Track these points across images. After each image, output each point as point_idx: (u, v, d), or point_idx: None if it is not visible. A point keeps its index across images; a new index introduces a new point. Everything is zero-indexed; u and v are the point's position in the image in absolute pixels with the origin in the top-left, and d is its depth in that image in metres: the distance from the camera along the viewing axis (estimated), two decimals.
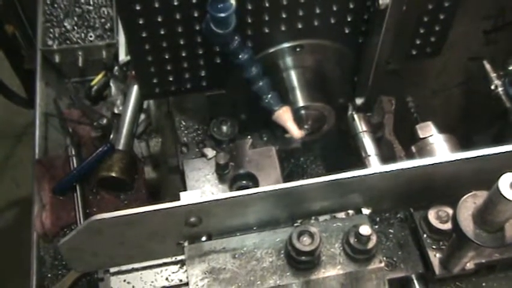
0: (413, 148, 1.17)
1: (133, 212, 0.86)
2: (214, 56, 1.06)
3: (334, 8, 1.03)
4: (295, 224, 0.92)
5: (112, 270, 1.08)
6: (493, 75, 1.28)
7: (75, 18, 1.72)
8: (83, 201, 1.53)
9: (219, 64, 1.07)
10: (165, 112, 1.39)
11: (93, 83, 1.71)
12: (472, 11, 1.40)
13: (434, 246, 0.97)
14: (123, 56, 1.68)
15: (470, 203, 0.83)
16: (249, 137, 1.21)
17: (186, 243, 0.90)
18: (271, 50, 1.07)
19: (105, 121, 1.62)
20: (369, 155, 1.16)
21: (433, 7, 1.07)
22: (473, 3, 1.36)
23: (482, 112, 1.57)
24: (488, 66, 1.27)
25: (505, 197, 0.73)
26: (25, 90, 2.43)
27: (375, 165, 1.14)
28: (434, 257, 0.96)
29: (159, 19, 0.97)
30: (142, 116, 1.61)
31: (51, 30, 1.71)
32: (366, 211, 0.95)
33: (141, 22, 0.97)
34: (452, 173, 0.91)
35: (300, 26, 1.04)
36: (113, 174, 1.52)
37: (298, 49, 1.07)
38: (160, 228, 0.88)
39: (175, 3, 0.96)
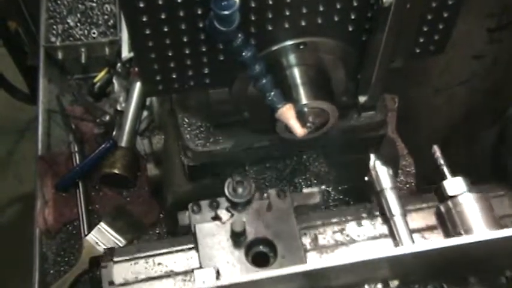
0: (442, 208, 1.13)
1: None
2: (218, 53, 1.06)
3: (338, 6, 1.02)
4: None
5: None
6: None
7: (78, 15, 1.72)
8: (85, 198, 1.54)
9: (222, 61, 1.07)
10: (168, 109, 1.39)
11: (96, 79, 1.71)
12: (476, 9, 1.40)
13: None
14: (126, 53, 1.68)
15: None
16: (265, 194, 1.15)
17: None
18: (275, 47, 1.06)
19: (107, 118, 1.62)
20: (394, 215, 1.12)
21: (437, 5, 1.06)
22: (477, 1, 1.36)
23: (485, 111, 1.57)
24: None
25: None
26: (28, 87, 2.43)
27: (402, 232, 1.10)
28: None
29: (163, 16, 0.97)
30: (145, 113, 1.61)
31: (54, 26, 1.71)
32: (393, 284, 0.94)
33: (144, 19, 0.97)
34: (488, 249, 0.91)
35: (303, 23, 1.03)
36: (116, 171, 1.52)
37: (301, 47, 1.07)
38: None
39: (179, 1, 0.96)
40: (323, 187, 1.20)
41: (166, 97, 1.41)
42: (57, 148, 1.64)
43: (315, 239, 1.15)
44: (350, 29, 1.06)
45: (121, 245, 1.43)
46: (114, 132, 1.60)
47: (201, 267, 1.06)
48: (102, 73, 1.71)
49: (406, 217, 1.12)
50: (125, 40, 1.68)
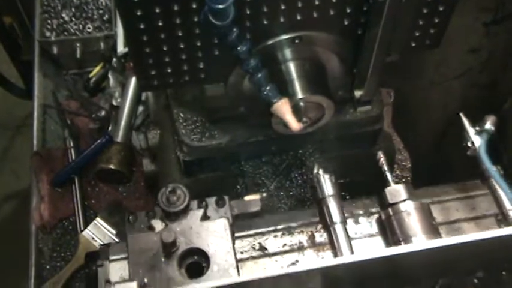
0: (382, 215, 1.13)
1: None
2: (213, 48, 1.05)
3: (333, 0, 1.02)
4: None
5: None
6: (470, 130, 1.11)
7: (73, 10, 1.71)
8: (81, 193, 1.54)
9: (217, 56, 1.07)
10: (163, 104, 1.39)
11: (91, 74, 1.70)
12: (471, 2, 1.39)
13: None
14: (121, 48, 1.68)
15: None
16: (203, 203, 1.11)
17: None
18: (270, 41, 1.06)
19: (103, 113, 1.62)
20: (334, 223, 1.11)
21: None
22: None
23: (481, 104, 1.57)
24: (465, 121, 1.13)
25: None
26: (23, 82, 2.42)
27: (342, 241, 1.09)
28: None
29: (157, 10, 0.97)
30: (141, 108, 1.61)
31: (49, 21, 1.70)
32: None
33: (139, 13, 0.97)
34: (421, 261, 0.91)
35: (298, 17, 1.03)
36: (111, 167, 1.52)
37: (297, 41, 1.07)
38: None
39: None
40: (264, 194, 1.18)
41: (161, 92, 1.40)
42: (53, 143, 1.63)
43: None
44: (345, 22, 1.06)
45: (117, 240, 1.43)
46: (109, 128, 1.60)
47: (130, 278, 1.02)
48: (98, 68, 1.70)
49: (347, 225, 1.12)
50: (120, 35, 1.68)
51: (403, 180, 1.60)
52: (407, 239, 1.06)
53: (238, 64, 1.04)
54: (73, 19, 1.71)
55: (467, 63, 1.50)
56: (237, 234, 1.14)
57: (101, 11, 1.73)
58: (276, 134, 1.18)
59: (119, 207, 1.52)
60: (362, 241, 1.14)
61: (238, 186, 1.34)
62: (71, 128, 1.63)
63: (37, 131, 1.63)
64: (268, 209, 1.29)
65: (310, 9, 1.02)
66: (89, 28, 1.70)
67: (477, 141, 1.07)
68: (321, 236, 1.15)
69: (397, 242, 1.07)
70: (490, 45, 1.46)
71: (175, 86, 1.15)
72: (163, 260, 1.03)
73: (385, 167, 1.16)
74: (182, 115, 1.26)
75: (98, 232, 1.43)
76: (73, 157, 1.58)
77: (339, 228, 1.10)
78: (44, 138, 1.63)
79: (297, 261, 1.13)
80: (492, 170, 1.01)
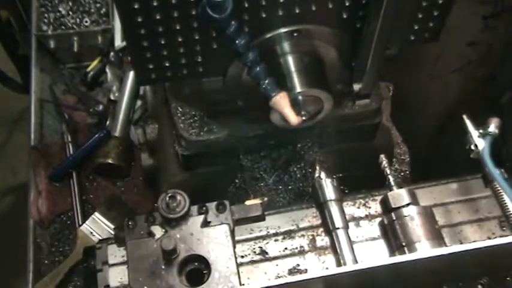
0: (385, 219, 1.11)
1: None
2: (211, 41, 1.05)
3: None
4: None
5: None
6: (473, 132, 1.08)
7: (70, 3, 1.71)
8: (79, 188, 1.53)
9: (215, 50, 1.06)
10: (161, 98, 1.38)
11: (88, 68, 1.70)
12: None
13: None
14: (119, 42, 1.67)
15: None
16: (204, 208, 1.08)
17: None
18: (268, 35, 1.05)
19: (101, 107, 1.61)
20: (337, 228, 1.10)
21: None
22: None
23: (479, 98, 1.56)
24: (468, 123, 1.10)
25: None
26: (20, 76, 2.41)
27: (344, 247, 1.08)
28: None
29: (155, 3, 0.96)
30: (139, 102, 1.60)
31: (46, 15, 1.69)
32: None
33: (136, 6, 0.96)
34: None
35: (297, 10, 1.02)
36: (110, 161, 1.52)
37: (295, 34, 1.06)
38: None
39: None
40: (265, 199, 1.17)
41: (159, 86, 1.40)
42: (50, 138, 1.62)
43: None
44: (344, 16, 1.06)
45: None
46: (107, 122, 1.59)
47: (130, 286, 1.00)
48: (95, 62, 1.70)
49: (348, 229, 1.10)
50: (118, 29, 1.67)
51: (402, 174, 1.60)
52: (410, 245, 1.05)
53: (237, 58, 1.04)
54: (70, 13, 1.70)
55: (466, 57, 1.49)
56: (237, 238, 1.13)
57: (98, 5, 1.72)
58: (274, 128, 1.18)
59: (117, 202, 1.51)
60: (364, 245, 1.13)
61: (237, 181, 1.34)
62: (68, 122, 1.62)
63: (34, 126, 1.62)
64: (268, 202, 1.28)
65: (308, 2, 1.02)
66: (86, 22, 1.69)
67: (480, 144, 1.05)
68: (322, 240, 1.14)
69: (400, 247, 1.06)
70: (489, 38, 1.45)
71: (173, 79, 1.15)
72: (163, 267, 1.01)
73: (388, 171, 1.15)
74: (180, 109, 1.26)
75: (97, 227, 1.43)
76: (71, 152, 1.58)
77: (341, 233, 1.09)
78: (42, 133, 1.63)
79: (298, 265, 1.12)
80: (496, 173, 1.00)
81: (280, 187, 1.33)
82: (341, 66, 1.15)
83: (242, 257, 1.13)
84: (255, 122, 1.23)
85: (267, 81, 1.04)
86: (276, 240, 1.14)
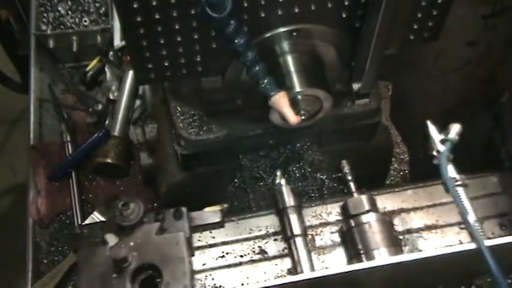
0: (344, 226, 1.12)
1: None
2: (210, 41, 1.05)
3: None
4: None
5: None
6: (436, 138, 1.07)
7: (69, 3, 1.71)
8: (78, 187, 1.53)
9: (214, 49, 1.06)
10: (160, 98, 1.38)
11: (88, 68, 1.70)
12: None
13: None
14: (118, 41, 1.67)
15: None
16: (161, 215, 1.07)
17: None
18: (268, 34, 1.05)
19: (100, 107, 1.61)
20: (295, 235, 1.10)
21: None
22: None
23: (479, 98, 1.56)
24: (431, 129, 1.09)
25: None
26: (20, 76, 2.41)
27: (302, 254, 1.09)
28: None
29: (154, 3, 0.96)
30: (138, 102, 1.60)
31: (45, 14, 1.69)
32: None
33: (135, 6, 0.96)
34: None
35: (296, 10, 1.02)
36: (109, 160, 1.52)
37: (294, 34, 1.06)
38: None
39: None
40: (225, 205, 1.17)
41: (158, 86, 1.40)
42: (50, 138, 1.62)
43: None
44: (344, 15, 1.06)
45: None
46: (106, 122, 1.59)
47: None
48: (94, 62, 1.70)
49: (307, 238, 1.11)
50: (117, 28, 1.67)
51: (401, 173, 1.60)
52: (368, 252, 1.05)
53: (236, 57, 1.04)
54: (69, 12, 1.70)
55: (465, 56, 1.49)
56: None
57: (97, 4, 1.72)
58: (273, 128, 1.18)
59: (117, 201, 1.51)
60: (323, 251, 1.13)
61: (236, 180, 1.34)
62: (67, 122, 1.62)
63: (34, 125, 1.62)
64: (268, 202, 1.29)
65: (308, 2, 1.02)
66: (85, 21, 1.69)
67: (441, 149, 1.05)
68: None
69: (358, 255, 1.07)
70: (489, 38, 1.45)
71: (173, 79, 1.15)
72: (114, 275, 0.99)
73: (349, 177, 1.16)
74: (179, 109, 1.26)
75: None
76: (70, 151, 1.58)
77: (299, 241, 1.09)
78: (41, 133, 1.63)
79: None
80: (448, 181, 0.99)
81: None
82: (340, 65, 1.15)
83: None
84: (255, 121, 1.23)
85: (266, 81, 1.04)
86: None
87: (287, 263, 1.12)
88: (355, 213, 1.10)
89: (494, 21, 1.40)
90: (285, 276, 1.10)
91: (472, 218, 0.96)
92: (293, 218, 1.11)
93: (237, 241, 1.14)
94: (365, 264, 0.94)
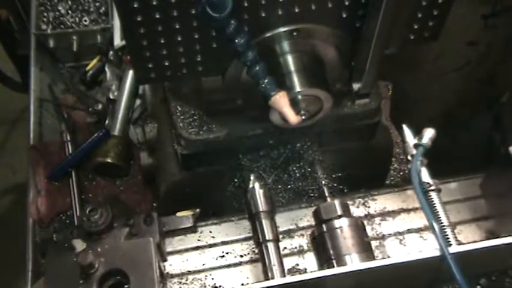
0: (315, 231, 1.11)
1: None
2: (210, 40, 1.05)
3: None
4: None
5: None
6: (410, 142, 1.07)
7: (69, 2, 1.70)
8: (78, 187, 1.53)
9: (215, 49, 1.06)
10: (160, 97, 1.38)
11: (88, 68, 1.69)
12: None
13: None
14: (118, 41, 1.66)
15: None
16: (131, 220, 1.06)
17: None
18: (268, 34, 1.05)
19: (100, 106, 1.61)
20: (267, 240, 1.08)
21: None
22: None
23: (479, 97, 1.57)
24: (407, 133, 1.09)
25: None
26: (20, 75, 2.41)
27: (273, 259, 1.07)
28: None
29: (154, 2, 0.96)
30: (138, 102, 1.60)
31: (45, 14, 1.69)
32: None
33: (135, 5, 0.96)
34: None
35: (296, 10, 1.02)
36: (109, 160, 1.51)
37: (295, 33, 1.06)
38: None
39: None
40: (198, 210, 1.17)
41: (159, 85, 1.40)
42: (50, 137, 1.62)
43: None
44: (344, 15, 1.06)
45: None
46: (106, 121, 1.59)
47: None
48: (94, 61, 1.69)
49: (279, 243, 1.10)
50: (117, 27, 1.67)
51: (401, 173, 1.59)
52: (339, 258, 1.04)
53: (236, 57, 1.04)
54: (69, 12, 1.70)
55: (465, 56, 1.49)
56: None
57: (97, 4, 1.71)
58: (273, 127, 1.18)
59: (117, 201, 1.51)
60: (294, 258, 1.13)
61: (236, 180, 1.34)
62: (67, 121, 1.62)
63: (34, 125, 1.62)
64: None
65: (308, 2, 1.02)
66: (85, 21, 1.69)
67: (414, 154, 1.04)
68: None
69: (328, 260, 1.06)
70: (489, 38, 1.45)
71: (173, 79, 1.15)
72: (81, 282, 0.99)
73: (323, 182, 1.15)
74: (179, 108, 1.26)
75: None
76: (70, 151, 1.57)
77: (270, 246, 1.08)
78: (41, 132, 1.63)
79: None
80: (417, 187, 0.98)
81: (280, 186, 1.33)
82: (340, 65, 1.15)
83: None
84: (255, 121, 1.23)
85: (266, 81, 1.04)
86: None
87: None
88: (327, 218, 1.08)
89: (494, 21, 1.40)
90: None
91: (441, 223, 0.96)
92: (265, 223, 1.10)
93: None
94: (335, 270, 0.94)
